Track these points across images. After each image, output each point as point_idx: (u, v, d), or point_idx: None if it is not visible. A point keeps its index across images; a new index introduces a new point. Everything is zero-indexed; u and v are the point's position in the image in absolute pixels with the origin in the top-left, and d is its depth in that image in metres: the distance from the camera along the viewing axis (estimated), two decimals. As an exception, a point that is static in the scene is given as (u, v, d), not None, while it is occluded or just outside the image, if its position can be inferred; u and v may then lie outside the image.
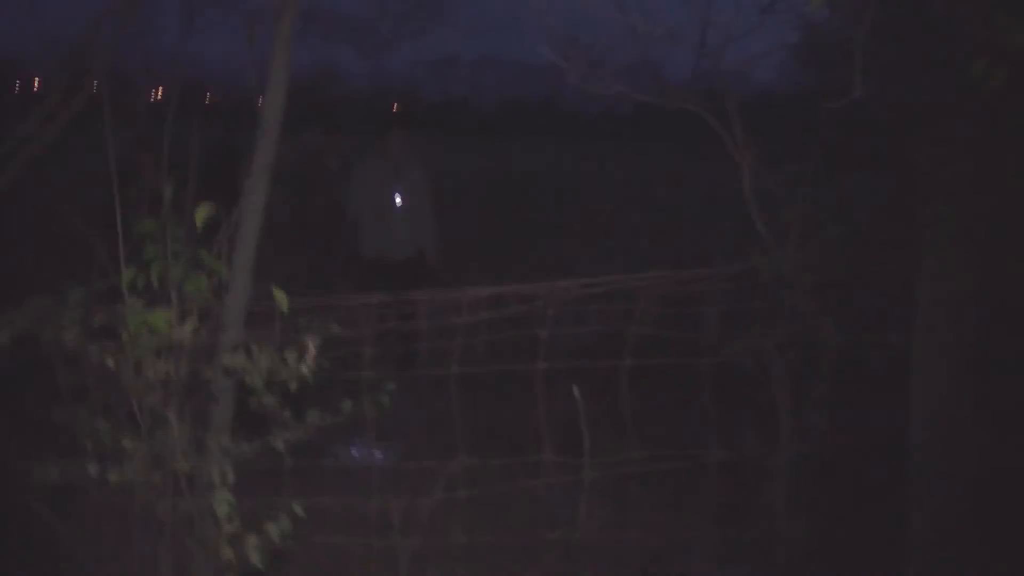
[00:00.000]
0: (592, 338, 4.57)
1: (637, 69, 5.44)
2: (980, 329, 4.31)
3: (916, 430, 4.37)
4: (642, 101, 4.86)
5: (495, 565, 4.76)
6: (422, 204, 8.35)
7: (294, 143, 4.29)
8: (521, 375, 4.35)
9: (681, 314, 4.58)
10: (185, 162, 4.01)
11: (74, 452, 3.70)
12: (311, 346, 3.69)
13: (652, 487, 4.75)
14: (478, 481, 4.24)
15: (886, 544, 4.54)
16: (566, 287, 4.25)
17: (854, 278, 4.88)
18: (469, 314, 4.16)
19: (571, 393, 4.33)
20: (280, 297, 3.73)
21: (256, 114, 4.18)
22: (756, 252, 4.74)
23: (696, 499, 4.76)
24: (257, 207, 4.07)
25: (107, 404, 3.71)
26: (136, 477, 3.68)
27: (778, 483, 4.73)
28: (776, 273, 4.71)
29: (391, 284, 4.10)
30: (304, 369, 3.69)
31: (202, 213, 3.71)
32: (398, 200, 8.23)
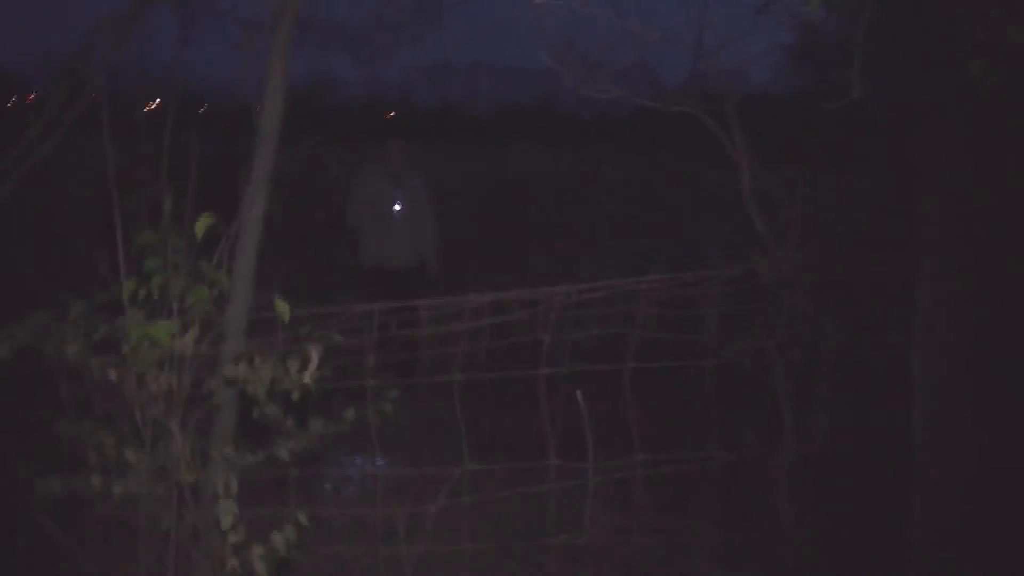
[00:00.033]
0: (593, 342, 4.57)
1: (634, 72, 5.43)
2: (980, 328, 4.31)
3: (917, 429, 4.36)
4: (640, 104, 4.85)
5: (500, 570, 4.75)
6: (423, 212, 8.31)
7: (292, 152, 4.29)
8: (523, 380, 4.35)
9: (682, 316, 4.58)
10: (184, 173, 4.01)
11: (78, 465, 3.70)
12: (314, 355, 3.69)
13: (656, 490, 4.75)
14: (482, 487, 4.24)
15: (888, 544, 4.54)
16: (567, 291, 4.25)
17: (854, 278, 4.88)
18: (470, 320, 4.16)
19: (574, 397, 4.33)
20: (282, 307, 3.73)
21: (254, 124, 4.19)
22: (756, 253, 4.74)
23: (700, 501, 4.76)
24: (257, 217, 4.08)
25: (110, 416, 3.71)
26: (140, 489, 3.67)
27: (780, 484, 4.73)
28: (776, 274, 4.71)
29: (391, 293, 4.09)
30: (307, 378, 3.69)
31: (202, 224, 3.71)
32: (397, 208, 8.20)
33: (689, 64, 5.12)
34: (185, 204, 3.87)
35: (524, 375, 4.30)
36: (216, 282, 3.81)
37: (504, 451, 4.51)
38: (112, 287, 3.74)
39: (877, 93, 3.76)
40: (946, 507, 4.33)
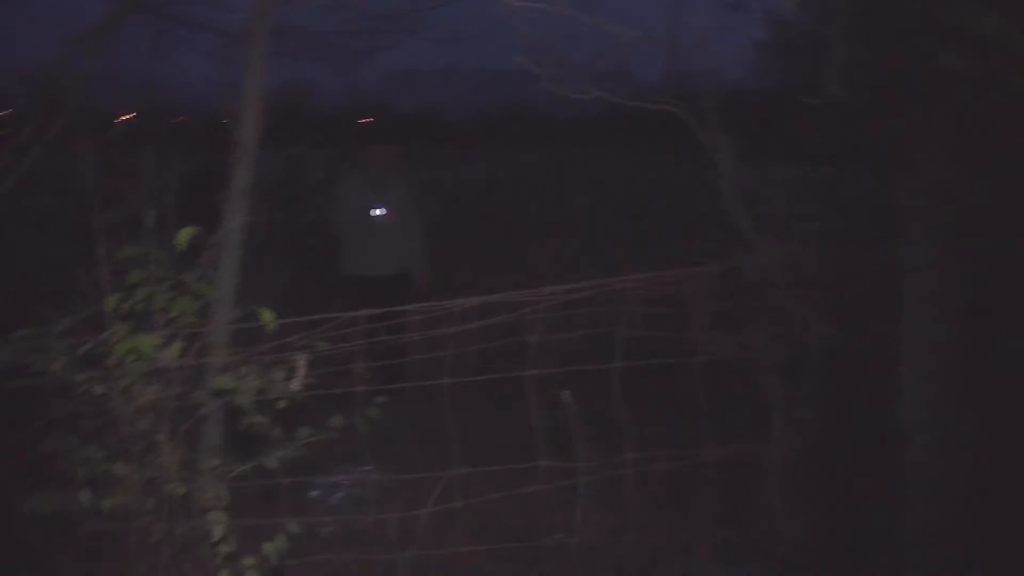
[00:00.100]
0: (580, 342, 4.58)
1: (609, 73, 5.44)
2: (965, 319, 4.33)
3: (905, 422, 4.39)
4: (618, 104, 4.86)
5: (494, 573, 4.76)
6: (407, 219, 8.20)
7: (272, 161, 4.29)
8: (512, 382, 4.35)
9: (667, 314, 4.58)
10: (164, 185, 4.01)
11: (67, 481, 3.69)
12: (301, 364, 3.69)
13: (647, 488, 4.75)
14: (473, 490, 4.24)
15: (882, 537, 4.56)
16: (552, 292, 4.25)
17: (838, 273, 4.89)
18: (457, 324, 4.16)
19: (562, 398, 4.34)
20: (267, 316, 3.73)
21: (232, 134, 4.19)
22: (738, 249, 4.76)
23: (692, 499, 4.77)
24: (238, 228, 4.08)
25: (98, 431, 3.70)
26: (130, 503, 3.66)
27: (773, 480, 4.74)
28: (759, 270, 4.72)
29: (373, 301, 4.10)
30: (295, 386, 3.69)
31: (185, 235, 3.71)
32: (379, 213, 8.12)
33: (662, 63, 5.13)
34: (167, 216, 3.87)
35: (512, 376, 4.30)
36: (200, 293, 3.80)
37: (494, 453, 4.50)
38: (95, 301, 3.73)
39: (854, 86, 3.78)
40: (936, 499, 4.35)
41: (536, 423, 4.24)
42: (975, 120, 4.24)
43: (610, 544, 4.71)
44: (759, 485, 4.79)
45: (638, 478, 4.41)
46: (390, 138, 8.68)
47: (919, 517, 4.38)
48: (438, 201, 11.55)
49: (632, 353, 4.39)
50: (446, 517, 4.24)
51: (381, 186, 8.11)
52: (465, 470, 4.13)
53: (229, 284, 4.10)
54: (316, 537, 4.97)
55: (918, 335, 4.33)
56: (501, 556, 4.67)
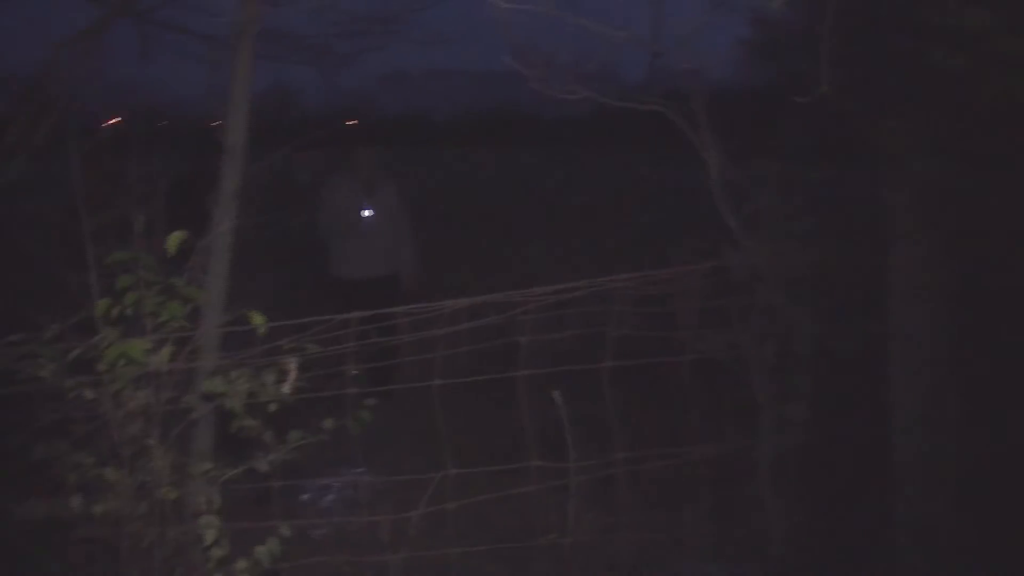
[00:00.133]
0: (570, 342, 4.58)
1: (595, 73, 5.45)
2: (953, 314, 4.35)
3: (895, 416, 4.40)
4: (604, 104, 4.86)
5: (487, 574, 4.76)
6: (396, 222, 8.18)
7: (260, 164, 4.28)
8: (502, 383, 4.35)
9: (658, 313, 4.59)
10: (153, 189, 4.00)
11: (58, 488, 3.68)
12: (293, 367, 3.69)
13: (639, 487, 4.76)
14: (465, 491, 4.24)
15: (873, 531, 4.58)
16: (542, 293, 4.25)
17: (827, 270, 4.91)
18: (447, 325, 4.16)
19: (553, 398, 4.34)
20: (257, 319, 3.72)
21: (220, 137, 4.19)
22: (727, 247, 4.77)
23: (684, 497, 4.78)
24: (227, 232, 4.08)
25: (89, 437, 3.69)
26: (122, 508, 3.65)
27: (763, 477, 4.76)
28: (748, 268, 4.73)
29: (362, 305, 4.09)
30: (286, 389, 3.69)
31: (174, 240, 3.70)
32: (367, 214, 8.09)
33: (647, 62, 5.14)
34: (155, 220, 3.86)
35: (503, 377, 4.30)
36: (190, 297, 3.80)
37: (486, 454, 4.51)
38: (84, 307, 3.72)
39: (842, 83, 3.79)
40: (927, 494, 4.37)
41: (527, 424, 4.24)
42: (963, 117, 4.25)
43: (602, 543, 4.72)
44: (750, 483, 4.81)
45: (630, 477, 4.41)
46: (377, 140, 8.66)
47: (910, 513, 4.39)
48: (425, 202, 11.55)
49: (622, 352, 4.40)
50: (438, 518, 4.24)
51: (369, 188, 8.09)
52: (457, 471, 4.13)
53: (219, 288, 4.10)
54: (308, 539, 4.97)
55: (907, 332, 4.34)
56: (493, 557, 4.68)
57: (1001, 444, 4.49)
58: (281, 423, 3.80)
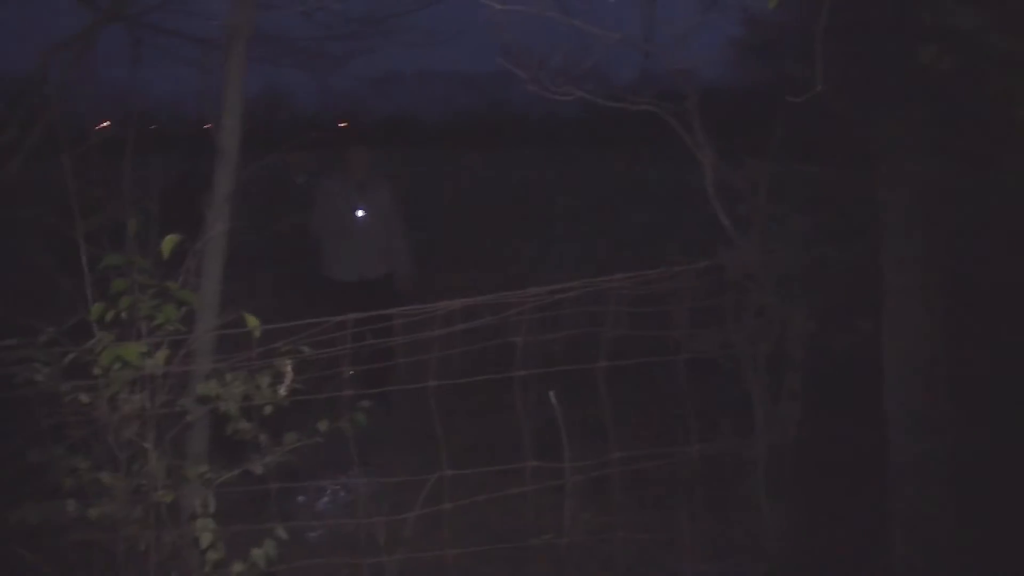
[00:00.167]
0: (565, 342, 4.59)
1: (590, 73, 5.45)
2: (947, 311, 4.36)
3: (890, 414, 4.41)
4: (597, 105, 4.86)
5: (482, 575, 4.76)
6: (389, 222, 8.15)
7: (253, 167, 4.28)
8: (498, 384, 4.36)
9: (652, 313, 4.60)
10: (147, 193, 4.00)
11: (54, 492, 3.67)
12: (288, 370, 3.69)
13: (634, 486, 4.77)
14: (460, 492, 4.24)
15: (868, 529, 4.59)
16: (537, 293, 4.25)
17: (820, 269, 4.92)
18: (442, 327, 4.16)
19: (548, 398, 4.35)
20: (252, 322, 3.72)
21: (213, 141, 4.18)
22: (721, 247, 4.78)
23: (679, 496, 4.78)
24: (221, 235, 4.08)
25: (84, 441, 3.68)
26: (117, 512, 3.65)
27: (758, 476, 4.76)
28: (742, 267, 4.74)
29: (355, 306, 4.10)
30: (282, 392, 3.69)
31: (169, 243, 3.70)
32: (360, 215, 8.08)
33: (638, 63, 5.14)
34: (148, 224, 3.85)
35: (498, 378, 4.31)
36: (184, 300, 3.79)
37: (481, 455, 4.51)
38: (79, 311, 3.72)
39: (835, 83, 3.79)
40: (922, 492, 4.38)
41: (523, 424, 4.25)
42: (956, 116, 4.27)
43: (598, 544, 4.73)
44: (745, 483, 4.81)
45: (625, 477, 4.42)
46: (369, 141, 8.64)
47: (904, 511, 4.40)
48: (418, 203, 11.55)
49: (617, 352, 4.40)
50: (434, 519, 4.24)
51: (361, 189, 8.08)
52: (452, 472, 4.13)
53: (213, 291, 4.10)
54: (305, 542, 4.97)
55: (901, 330, 4.35)
56: (490, 557, 4.68)
57: (997, 442, 4.50)
58: (276, 426, 3.79)
